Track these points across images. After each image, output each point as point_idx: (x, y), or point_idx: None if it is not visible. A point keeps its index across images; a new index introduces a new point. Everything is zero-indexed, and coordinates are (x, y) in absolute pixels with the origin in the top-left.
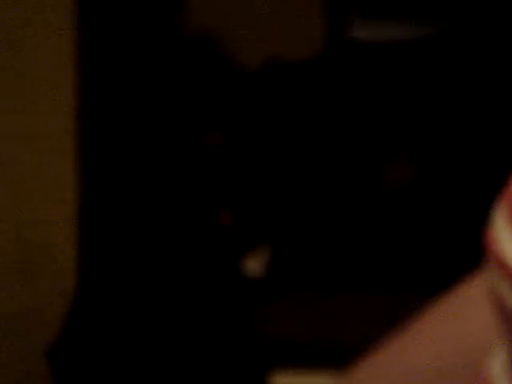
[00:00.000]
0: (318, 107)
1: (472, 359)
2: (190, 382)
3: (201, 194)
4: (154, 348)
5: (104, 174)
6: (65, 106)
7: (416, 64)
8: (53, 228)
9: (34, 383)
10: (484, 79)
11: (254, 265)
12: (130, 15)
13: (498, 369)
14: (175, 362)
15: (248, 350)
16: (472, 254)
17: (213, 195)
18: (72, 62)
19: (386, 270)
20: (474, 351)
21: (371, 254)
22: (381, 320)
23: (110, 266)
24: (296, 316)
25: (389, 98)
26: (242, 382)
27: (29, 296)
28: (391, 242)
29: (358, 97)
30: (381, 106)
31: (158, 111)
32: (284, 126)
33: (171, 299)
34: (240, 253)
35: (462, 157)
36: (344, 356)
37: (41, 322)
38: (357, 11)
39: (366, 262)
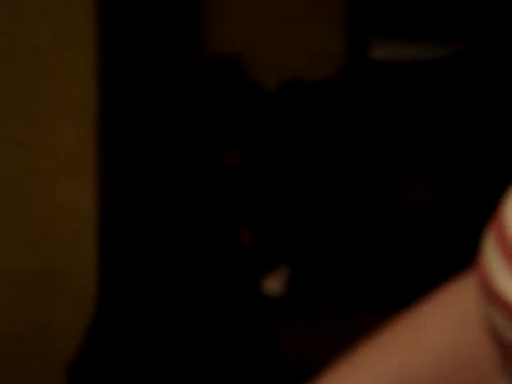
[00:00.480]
0: (337, 127)
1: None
2: None
3: (221, 213)
4: (173, 367)
5: (124, 189)
6: (87, 118)
7: (436, 84)
8: (74, 242)
9: None
10: (506, 100)
11: (273, 284)
12: (152, 34)
13: None
14: (194, 381)
15: (267, 370)
16: None
17: (233, 214)
18: (94, 76)
19: (407, 288)
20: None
21: (392, 272)
22: None
23: (130, 283)
24: (315, 335)
25: (409, 117)
26: None
27: (49, 310)
28: (413, 260)
29: (378, 116)
30: (401, 126)
31: (179, 130)
32: (304, 146)
33: (191, 317)
34: (259, 272)
35: (486, 177)
36: None
37: (61, 336)
38: (376, 31)
39: (387, 281)
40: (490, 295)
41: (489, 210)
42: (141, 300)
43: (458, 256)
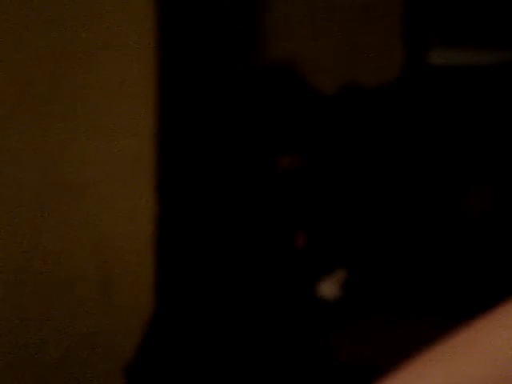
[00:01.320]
0: (395, 131)
1: None
2: None
3: (277, 216)
4: (229, 369)
5: (180, 195)
6: (144, 128)
7: (494, 89)
8: (131, 248)
9: None
10: None
11: (329, 287)
12: (208, 41)
13: None
14: (251, 381)
15: (323, 373)
16: None
17: (289, 217)
18: (152, 86)
19: (465, 293)
20: None
21: (449, 278)
22: None
23: (186, 285)
24: (370, 339)
25: (468, 122)
26: None
27: (108, 315)
28: (471, 266)
29: (436, 121)
30: (460, 131)
31: (237, 134)
32: (361, 150)
33: (247, 321)
34: (316, 275)
35: None
36: None
37: (119, 340)
38: (435, 38)
39: (443, 286)
40: None
41: None
42: (197, 302)
43: None
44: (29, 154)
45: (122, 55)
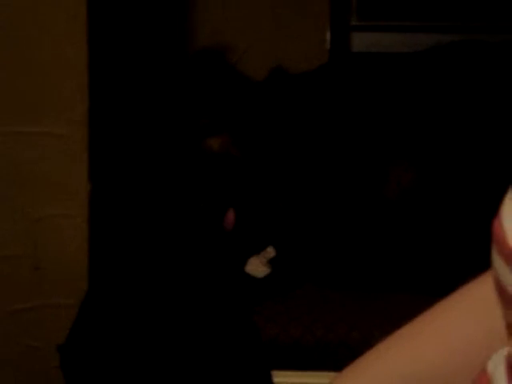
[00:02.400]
0: (320, 116)
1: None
2: (191, 382)
3: (206, 196)
4: (156, 346)
5: (112, 177)
6: (78, 115)
7: (414, 74)
8: (65, 228)
9: (47, 377)
10: (482, 86)
11: (258, 264)
12: (139, 28)
13: (495, 362)
14: (177, 360)
15: (249, 350)
16: (478, 255)
17: (218, 198)
18: (85, 73)
19: (389, 269)
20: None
21: (375, 253)
22: (382, 318)
23: (118, 266)
24: (300, 315)
25: (389, 105)
26: (242, 381)
27: (41, 292)
28: (395, 243)
29: (359, 104)
30: (382, 114)
31: (166, 118)
32: (289, 134)
33: (174, 298)
34: (244, 253)
35: (463, 160)
36: (346, 355)
37: (52, 317)
38: (358, 24)
39: (371, 261)
40: (503, 252)
41: (469, 191)
42: (129, 280)
43: (439, 239)
44: None
45: (54, 41)
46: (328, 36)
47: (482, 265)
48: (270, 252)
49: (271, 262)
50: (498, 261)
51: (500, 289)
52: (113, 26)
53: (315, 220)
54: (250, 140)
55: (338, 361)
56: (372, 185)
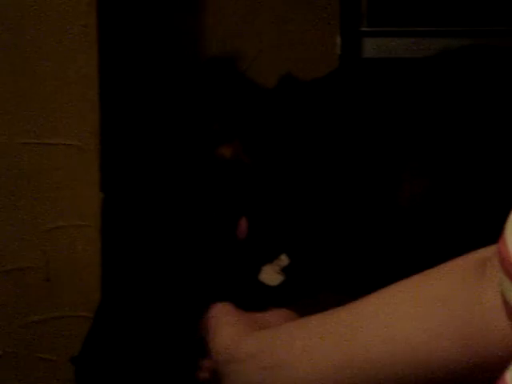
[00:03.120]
0: (332, 122)
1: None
2: None
3: (219, 205)
4: (172, 357)
5: (125, 188)
6: (88, 127)
7: (429, 81)
8: (77, 240)
9: None
10: (496, 94)
11: (271, 273)
12: (150, 38)
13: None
14: (193, 371)
15: None
16: None
17: (231, 206)
18: (96, 84)
19: (404, 277)
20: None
21: (389, 261)
22: None
23: (131, 277)
24: None
25: (400, 111)
26: None
27: (54, 303)
28: (409, 252)
29: (371, 110)
30: (393, 120)
31: (178, 127)
32: (300, 140)
33: (190, 308)
34: (258, 262)
35: (480, 166)
36: None
37: (66, 328)
38: (369, 29)
39: (385, 269)
40: (510, 276)
41: (483, 204)
42: (143, 291)
43: (452, 248)
44: None
45: (65, 52)
46: (338, 41)
47: None
48: (284, 260)
49: (285, 270)
50: (504, 280)
51: (508, 308)
52: (123, 35)
53: (328, 227)
54: (262, 147)
55: None
56: (384, 192)
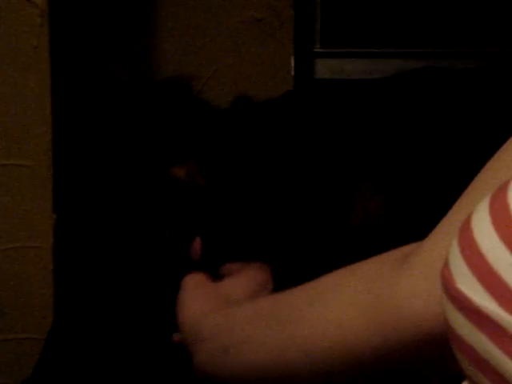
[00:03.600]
0: (285, 142)
1: None
2: None
3: (172, 225)
4: (130, 376)
5: (77, 207)
6: (42, 145)
7: (380, 102)
8: (28, 260)
9: None
10: (449, 110)
11: None
12: (101, 60)
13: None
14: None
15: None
16: None
17: (184, 227)
18: (48, 102)
19: None
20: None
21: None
22: None
23: (85, 298)
24: None
25: (354, 130)
26: None
27: (3, 329)
28: None
29: (325, 134)
30: (347, 139)
31: (130, 148)
32: (253, 161)
33: (143, 329)
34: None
35: (434, 184)
36: None
37: (16, 354)
38: (322, 50)
39: None
40: (452, 299)
41: (437, 219)
42: (95, 314)
43: None
44: None
45: (16, 72)
46: (292, 62)
47: None
48: None
49: None
50: (449, 307)
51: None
52: (76, 55)
53: (281, 248)
54: (216, 168)
55: None
56: (337, 213)
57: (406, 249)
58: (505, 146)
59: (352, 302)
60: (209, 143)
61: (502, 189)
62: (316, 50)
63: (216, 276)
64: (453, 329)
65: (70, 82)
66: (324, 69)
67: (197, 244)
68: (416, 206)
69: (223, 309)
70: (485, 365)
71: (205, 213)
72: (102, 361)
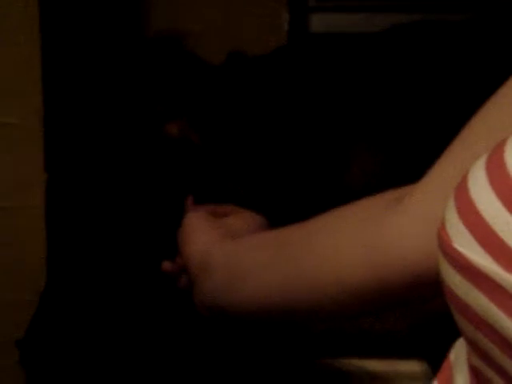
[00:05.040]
0: (280, 98)
1: None
2: (161, 375)
3: (166, 184)
4: (118, 340)
5: (69, 169)
6: (31, 106)
7: (374, 54)
8: (21, 221)
9: (7, 373)
10: (441, 68)
11: None
12: (91, 18)
13: (457, 352)
14: (141, 353)
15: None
16: None
17: (177, 185)
18: (38, 63)
19: None
20: None
21: None
22: None
23: (77, 259)
24: None
25: (349, 86)
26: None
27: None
28: None
29: (319, 86)
30: (342, 95)
31: (123, 106)
32: (248, 117)
33: (135, 290)
34: None
35: (429, 143)
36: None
37: (11, 312)
38: (317, 5)
39: None
40: (449, 259)
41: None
42: (89, 274)
43: None
44: None
45: (6, 32)
46: (286, 18)
47: None
48: None
49: None
50: (445, 267)
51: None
52: (66, 12)
53: (275, 208)
54: (209, 124)
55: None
56: (333, 172)
57: (400, 191)
58: (499, 91)
59: (348, 240)
60: (202, 99)
61: (500, 146)
62: (310, 4)
63: None
64: (450, 288)
65: (60, 40)
66: (319, 23)
67: (190, 202)
68: (411, 164)
69: (230, 242)
70: (483, 323)
71: (198, 170)
72: (95, 321)
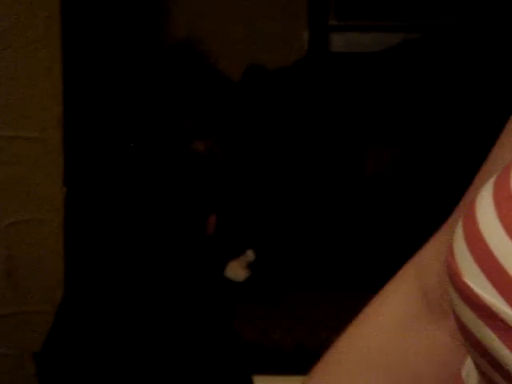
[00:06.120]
0: (299, 111)
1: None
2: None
3: (190, 200)
4: (134, 351)
5: (89, 182)
6: (51, 119)
7: (387, 69)
8: (39, 235)
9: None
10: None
11: (237, 268)
12: (112, 32)
13: (466, 370)
14: (155, 365)
15: (229, 353)
16: None
17: (202, 202)
18: (59, 74)
19: (370, 268)
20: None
21: (356, 254)
22: None
23: (95, 272)
24: (276, 318)
25: (366, 92)
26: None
27: (15, 300)
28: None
29: (336, 98)
30: (360, 102)
31: (146, 117)
32: (267, 132)
33: (153, 303)
34: (224, 257)
35: (445, 139)
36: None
37: (28, 325)
38: (336, 23)
39: (352, 262)
40: (461, 293)
41: (447, 175)
42: (107, 286)
43: (418, 219)
44: None
45: (28, 43)
46: (306, 36)
47: None
48: (250, 255)
49: (251, 266)
50: (456, 300)
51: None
52: (87, 25)
53: (294, 223)
54: (232, 141)
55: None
56: (352, 166)
57: (421, 284)
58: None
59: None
60: (225, 116)
61: (505, 172)
62: (330, 23)
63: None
64: (462, 321)
65: (81, 56)
66: (338, 42)
67: (212, 219)
68: (423, 158)
69: None
70: (493, 361)
71: (221, 187)
72: (111, 335)
